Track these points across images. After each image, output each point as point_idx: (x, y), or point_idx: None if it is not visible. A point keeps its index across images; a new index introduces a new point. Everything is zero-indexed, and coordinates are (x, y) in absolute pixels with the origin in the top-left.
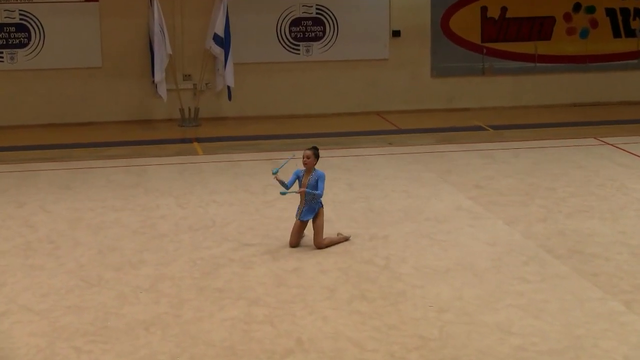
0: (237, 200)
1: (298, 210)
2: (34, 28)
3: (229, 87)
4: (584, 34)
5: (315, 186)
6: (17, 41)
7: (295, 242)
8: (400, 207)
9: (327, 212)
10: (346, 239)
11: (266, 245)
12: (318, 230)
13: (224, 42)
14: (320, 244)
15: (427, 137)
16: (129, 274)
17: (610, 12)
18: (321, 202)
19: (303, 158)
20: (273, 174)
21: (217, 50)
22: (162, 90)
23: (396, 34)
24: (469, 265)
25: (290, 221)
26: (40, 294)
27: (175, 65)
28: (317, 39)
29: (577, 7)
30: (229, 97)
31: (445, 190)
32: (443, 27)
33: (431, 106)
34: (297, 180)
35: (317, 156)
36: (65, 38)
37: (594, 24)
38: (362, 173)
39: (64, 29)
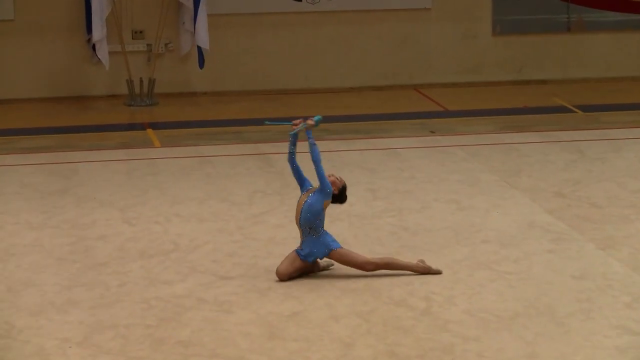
0: (210, 213)
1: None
2: None
3: (200, 49)
4: None
5: (312, 205)
6: None
7: (285, 273)
8: (447, 224)
9: (342, 229)
10: (323, 268)
11: (253, 279)
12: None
13: None
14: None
15: (487, 122)
16: (52, 320)
17: None
18: (333, 244)
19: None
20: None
21: None
22: (103, 53)
23: None
24: (547, 309)
25: (288, 245)
26: None
27: (122, 18)
28: None
29: None
30: (201, 64)
31: (513, 200)
32: None
33: (492, 77)
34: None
35: (340, 191)
36: None
37: None
38: (391, 174)
39: None
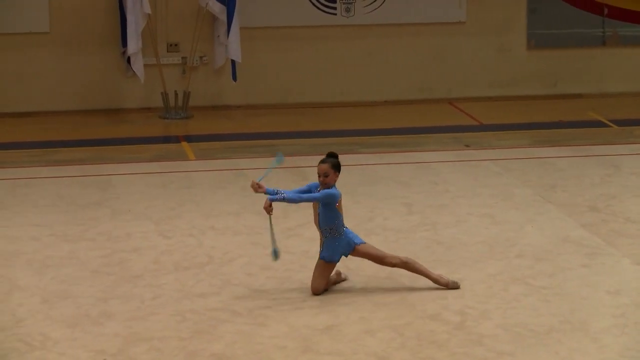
0: (244, 226)
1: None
2: None
3: (233, 63)
4: None
5: (325, 213)
6: None
7: (318, 286)
8: (481, 239)
9: (376, 243)
10: (342, 280)
11: (287, 292)
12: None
13: None
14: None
15: (521, 136)
16: (87, 332)
17: None
18: (355, 239)
19: (319, 177)
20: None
21: (218, 9)
22: (138, 66)
23: None
24: (581, 324)
25: None
26: None
27: (157, 31)
28: None
29: None
30: (234, 77)
31: (548, 215)
32: None
33: (527, 91)
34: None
35: (337, 168)
36: None
37: None
38: (425, 188)
39: None
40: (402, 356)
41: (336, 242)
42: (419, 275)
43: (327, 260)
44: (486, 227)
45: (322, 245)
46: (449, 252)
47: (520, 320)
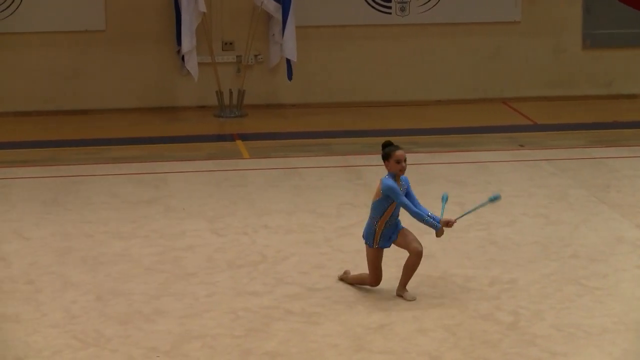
0: (298, 225)
1: (374, 236)
2: None
3: (288, 61)
4: None
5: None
6: None
7: (378, 277)
8: (535, 239)
9: (430, 242)
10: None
11: (340, 290)
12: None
13: None
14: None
15: (576, 136)
16: (140, 329)
17: None
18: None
19: (401, 162)
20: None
21: (273, 8)
22: (192, 64)
23: None
24: (636, 325)
25: None
26: (13, 358)
27: (212, 29)
28: None
29: None
30: (289, 76)
31: (602, 215)
32: None
33: (582, 91)
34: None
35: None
36: None
37: None
38: (479, 188)
39: None
40: (455, 356)
41: (396, 225)
42: (472, 276)
43: (386, 246)
44: (540, 227)
45: (380, 235)
46: (503, 252)
47: (573, 320)
